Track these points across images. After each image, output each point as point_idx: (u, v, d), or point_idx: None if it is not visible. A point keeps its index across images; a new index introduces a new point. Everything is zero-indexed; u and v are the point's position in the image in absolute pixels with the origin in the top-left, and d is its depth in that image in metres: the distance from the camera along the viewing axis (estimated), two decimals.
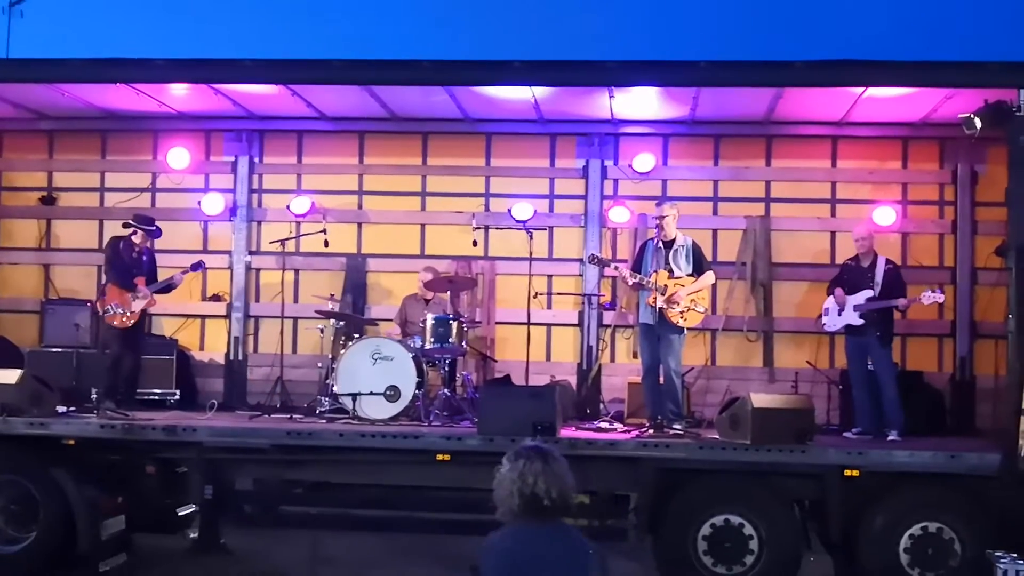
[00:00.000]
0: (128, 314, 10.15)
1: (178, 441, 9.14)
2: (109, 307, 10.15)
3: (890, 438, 9.49)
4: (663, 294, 9.54)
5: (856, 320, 9.97)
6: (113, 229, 11.00)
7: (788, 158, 11.81)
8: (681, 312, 9.57)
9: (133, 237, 10.40)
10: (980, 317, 11.16)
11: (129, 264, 10.31)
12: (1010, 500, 8.21)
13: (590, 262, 10.61)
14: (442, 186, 12.09)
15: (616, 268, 10.05)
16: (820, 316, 10.38)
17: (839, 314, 10.10)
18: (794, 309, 11.64)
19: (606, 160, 11.83)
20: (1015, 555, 7.73)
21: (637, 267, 9.87)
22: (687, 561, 8.55)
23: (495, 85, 10.27)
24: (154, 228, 10.56)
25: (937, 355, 11.43)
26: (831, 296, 10.20)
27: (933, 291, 9.93)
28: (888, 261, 10.20)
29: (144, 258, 10.45)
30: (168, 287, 10.57)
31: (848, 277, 10.23)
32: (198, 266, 10.83)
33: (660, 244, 9.75)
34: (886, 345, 9.99)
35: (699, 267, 9.79)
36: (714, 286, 10.83)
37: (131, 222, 10.47)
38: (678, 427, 9.42)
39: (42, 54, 9.46)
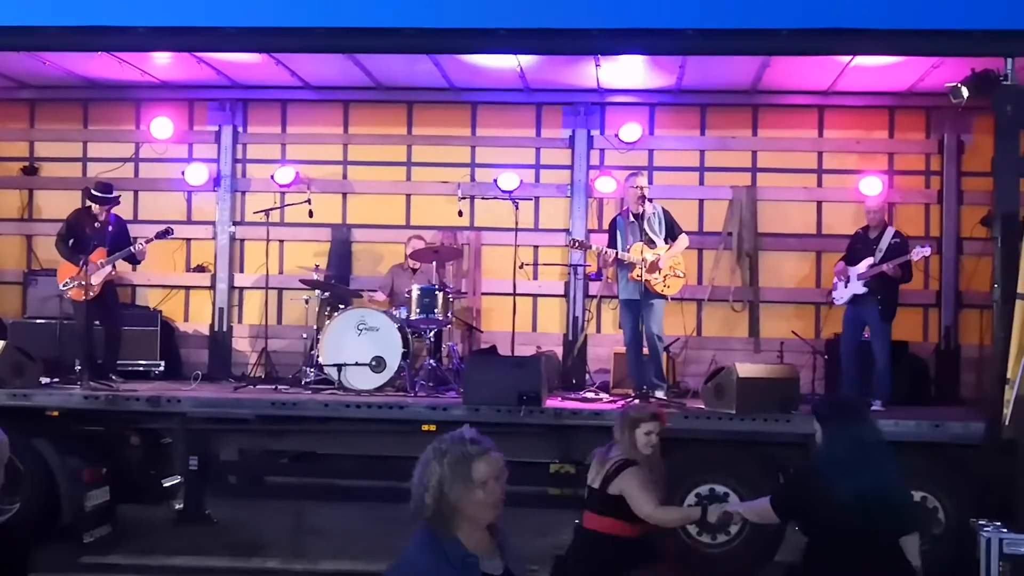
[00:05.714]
0: (87, 286, 9.84)
1: (162, 412, 9.15)
2: (67, 281, 10.01)
3: (873, 408, 9.49)
4: (644, 266, 9.51)
5: (860, 289, 9.76)
6: None
7: (775, 128, 11.76)
8: (664, 278, 9.58)
9: (92, 207, 10.23)
10: (965, 287, 11.17)
11: (90, 235, 10.07)
12: (994, 469, 8.25)
13: (571, 247, 10.63)
14: (427, 156, 12.02)
15: (598, 249, 10.01)
16: (830, 291, 10.24)
17: (846, 286, 9.94)
18: (780, 279, 11.63)
19: (592, 130, 11.76)
20: (999, 523, 7.77)
21: (611, 245, 9.86)
22: (672, 530, 8.56)
23: (480, 53, 10.20)
24: (111, 197, 10.30)
25: (922, 325, 11.43)
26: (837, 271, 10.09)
27: (922, 247, 9.75)
28: (897, 233, 9.88)
29: (109, 228, 10.22)
30: (131, 257, 10.39)
31: (854, 247, 10.04)
32: (164, 233, 10.37)
33: (632, 218, 9.72)
34: (886, 319, 9.77)
35: (671, 232, 9.80)
36: (700, 256, 10.81)
37: (91, 191, 10.32)
38: (661, 394, 9.44)
39: (22, 21, 9.33)
